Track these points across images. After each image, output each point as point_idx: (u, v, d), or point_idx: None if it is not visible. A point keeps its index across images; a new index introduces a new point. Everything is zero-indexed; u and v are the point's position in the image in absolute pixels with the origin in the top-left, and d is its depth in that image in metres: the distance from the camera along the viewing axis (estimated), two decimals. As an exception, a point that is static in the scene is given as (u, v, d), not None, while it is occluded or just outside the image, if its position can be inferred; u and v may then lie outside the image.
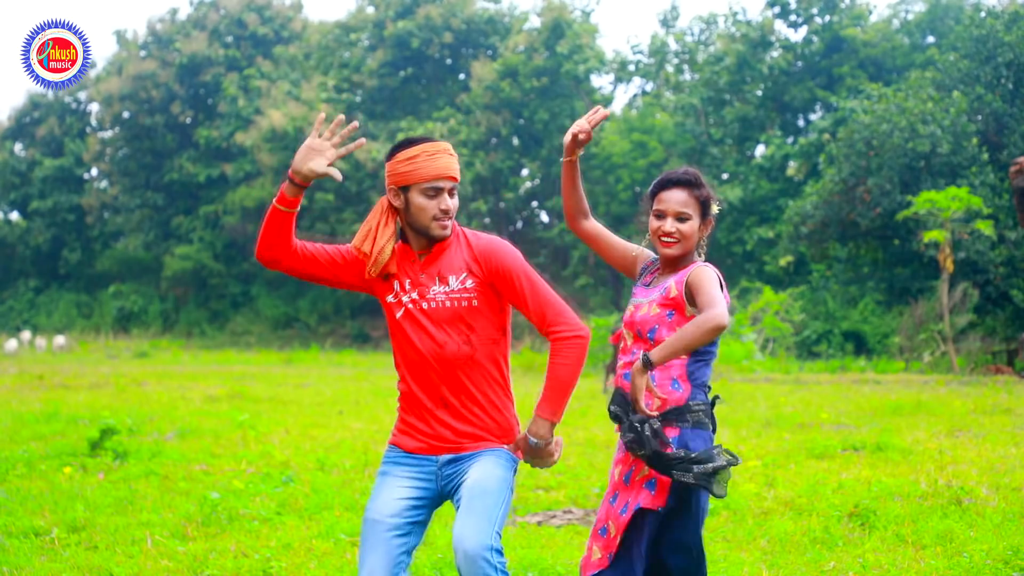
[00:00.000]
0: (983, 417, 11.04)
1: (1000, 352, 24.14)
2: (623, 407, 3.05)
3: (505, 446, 3.13)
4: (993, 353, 24.05)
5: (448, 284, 3.09)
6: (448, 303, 3.08)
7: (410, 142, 3.11)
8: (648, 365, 2.88)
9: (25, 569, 4.67)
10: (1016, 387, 15.84)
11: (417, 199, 3.06)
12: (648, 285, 3.20)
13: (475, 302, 3.09)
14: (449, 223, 3.10)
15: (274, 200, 3.10)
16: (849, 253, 28.73)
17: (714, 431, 3.09)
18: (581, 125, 3.19)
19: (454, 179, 3.07)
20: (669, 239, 3.08)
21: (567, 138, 3.20)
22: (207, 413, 11.74)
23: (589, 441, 9.25)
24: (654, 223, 3.12)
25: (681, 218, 3.07)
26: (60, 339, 32.64)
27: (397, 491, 3.11)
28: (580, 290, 39.35)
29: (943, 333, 22.53)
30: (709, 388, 3.11)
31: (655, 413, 2.94)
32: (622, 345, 3.18)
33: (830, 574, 4.61)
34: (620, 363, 3.15)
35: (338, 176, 3.03)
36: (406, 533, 3.09)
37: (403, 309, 3.13)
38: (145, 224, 47.02)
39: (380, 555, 3.04)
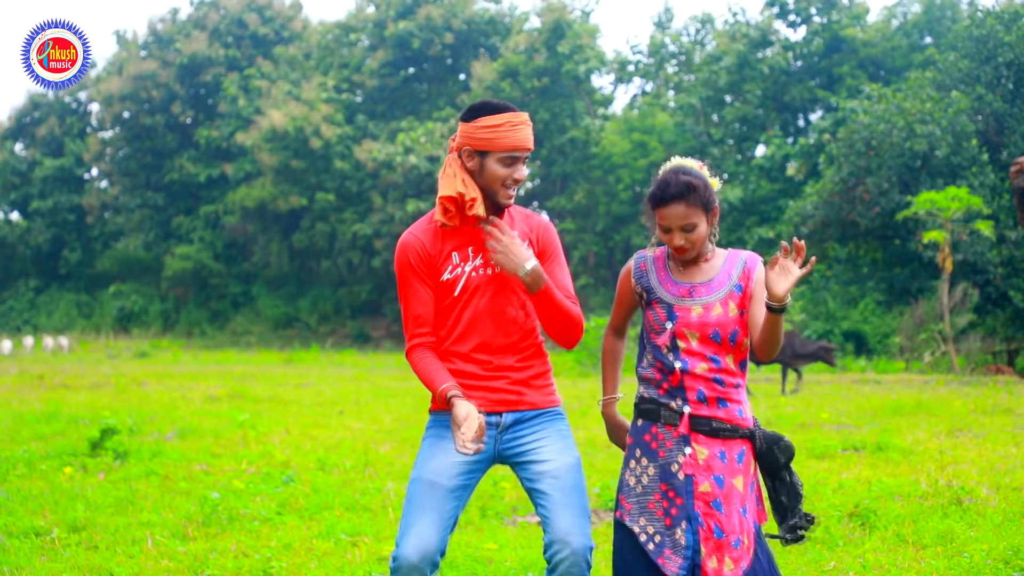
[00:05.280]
0: (983, 417, 11.04)
1: (1000, 352, 24.15)
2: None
3: (558, 404, 3.22)
4: (993, 353, 24.05)
5: None
6: None
7: (493, 108, 3.10)
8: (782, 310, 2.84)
9: (25, 569, 4.67)
10: (1016, 387, 15.83)
11: (493, 166, 3.08)
12: (678, 281, 3.06)
13: None
14: (515, 190, 3.14)
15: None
16: (849, 253, 28.74)
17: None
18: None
19: (530, 149, 3.12)
20: (682, 249, 3.04)
21: None
22: (207, 413, 11.74)
23: (590, 441, 9.25)
24: (663, 236, 3.05)
25: (686, 229, 3.00)
26: (61, 340, 32.61)
27: (454, 455, 3.08)
28: (580, 290, 39.35)
29: (943, 333, 22.53)
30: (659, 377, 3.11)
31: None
32: (683, 347, 3.00)
33: (830, 574, 4.61)
34: (686, 366, 2.99)
35: None
36: (458, 496, 3.08)
37: (464, 280, 3.13)
38: (145, 224, 47.05)
39: (433, 518, 3.01)
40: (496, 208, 3.15)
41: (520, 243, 3.04)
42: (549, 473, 3.05)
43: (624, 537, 3.03)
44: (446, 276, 3.13)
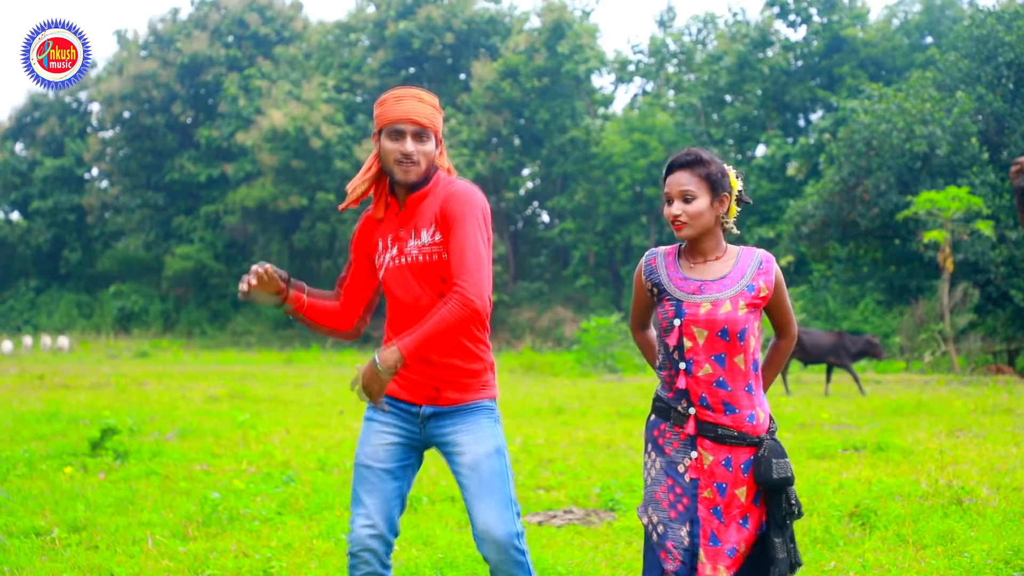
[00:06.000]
0: (984, 417, 11.04)
1: (1001, 352, 24.14)
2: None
3: (485, 398, 3.13)
4: (994, 353, 24.05)
5: (420, 238, 3.06)
6: (421, 257, 3.05)
7: (393, 88, 3.14)
8: None
9: (26, 569, 4.67)
10: (1017, 387, 15.84)
11: (383, 141, 3.06)
12: (688, 277, 2.99)
13: (444, 255, 3.02)
14: (412, 168, 3.03)
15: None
16: (849, 253, 28.75)
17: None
18: None
19: (417, 123, 3.02)
20: (677, 222, 2.99)
21: None
22: (208, 413, 11.74)
23: (590, 441, 9.25)
24: (665, 209, 3.01)
25: (686, 198, 2.95)
26: (61, 340, 32.62)
27: (384, 436, 3.12)
28: (580, 290, 39.36)
29: (944, 333, 22.52)
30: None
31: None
32: (689, 346, 2.92)
33: (831, 574, 4.61)
34: (689, 367, 2.92)
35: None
36: (397, 478, 3.12)
37: (383, 268, 3.14)
38: (146, 224, 47.06)
39: (377, 500, 3.08)
40: (405, 190, 3.09)
41: (362, 370, 2.91)
42: (466, 464, 3.06)
43: (646, 533, 3.02)
44: (377, 262, 3.18)
